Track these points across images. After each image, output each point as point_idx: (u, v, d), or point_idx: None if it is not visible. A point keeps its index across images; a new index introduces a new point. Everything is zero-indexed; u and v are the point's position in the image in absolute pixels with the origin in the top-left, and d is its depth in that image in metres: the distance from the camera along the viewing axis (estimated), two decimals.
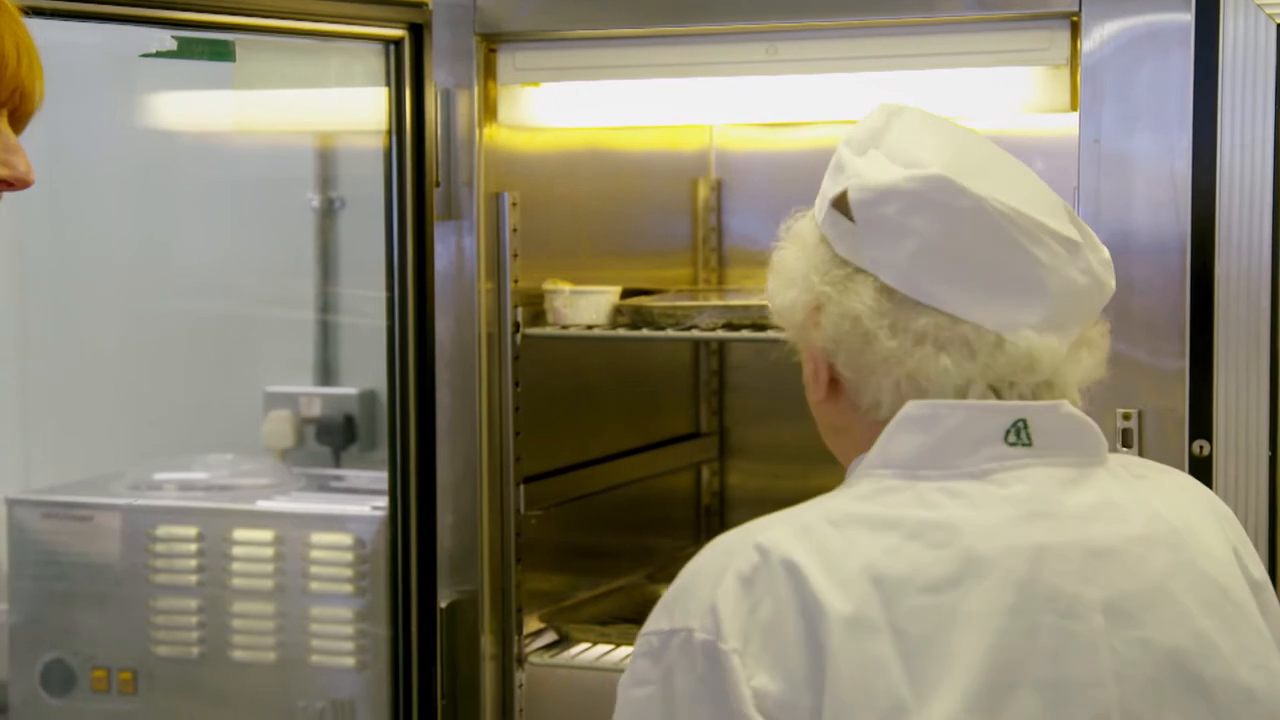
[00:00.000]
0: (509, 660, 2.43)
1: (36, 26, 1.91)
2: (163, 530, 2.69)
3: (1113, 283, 1.38)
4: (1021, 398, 1.34)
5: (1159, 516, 1.36)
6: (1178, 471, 1.53)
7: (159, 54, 2.60)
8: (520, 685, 2.43)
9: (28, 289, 2.82)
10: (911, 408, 1.32)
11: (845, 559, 1.24)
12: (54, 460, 3.05)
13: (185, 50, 2.62)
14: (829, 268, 1.36)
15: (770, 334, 2.34)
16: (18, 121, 1.45)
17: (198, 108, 3.02)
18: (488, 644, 2.42)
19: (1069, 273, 1.34)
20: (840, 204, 1.34)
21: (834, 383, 1.38)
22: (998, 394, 1.33)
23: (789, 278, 1.40)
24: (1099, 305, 1.38)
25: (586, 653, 2.51)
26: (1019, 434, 1.33)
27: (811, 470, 2.82)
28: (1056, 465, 1.34)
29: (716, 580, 1.25)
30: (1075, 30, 2.08)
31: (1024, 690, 1.23)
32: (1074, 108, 2.09)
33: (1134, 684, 1.28)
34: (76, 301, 2.50)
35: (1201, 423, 1.90)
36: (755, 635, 1.21)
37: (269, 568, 2.65)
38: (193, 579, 2.68)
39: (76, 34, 2.08)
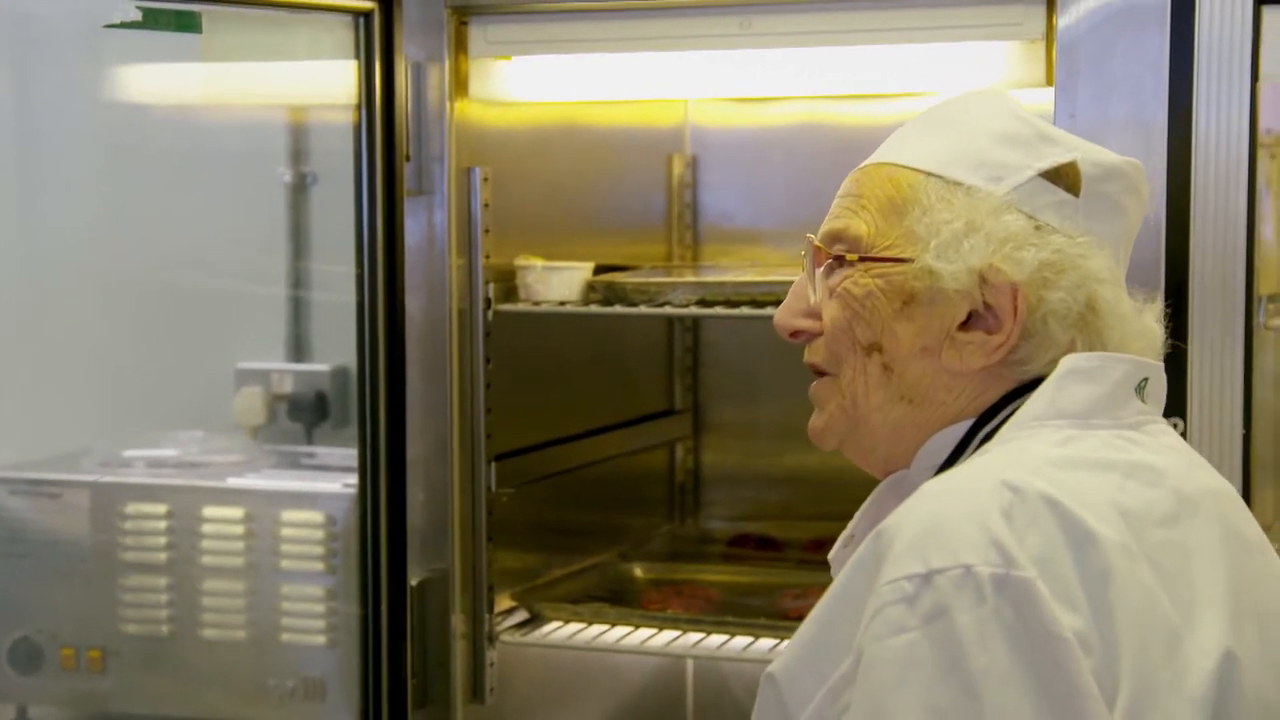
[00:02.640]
0: (480, 639, 2.43)
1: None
2: (132, 507, 2.68)
3: None
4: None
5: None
6: None
7: (124, 25, 2.58)
8: (491, 664, 2.43)
9: None
10: (1078, 360, 1.35)
11: (1091, 494, 1.25)
12: (21, 436, 3.02)
13: (151, 21, 2.62)
14: (1033, 237, 1.37)
15: (745, 311, 2.41)
16: None
17: (166, 80, 3.01)
18: (459, 622, 2.42)
19: None
20: (1055, 175, 1.37)
21: (1012, 350, 1.38)
22: None
23: (954, 236, 1.38)
24: None
25: (558, 631, 2.50)
26: (1141, 389, 1.37)
27: (786, 447, 2.89)
28: (1161, 420, 1.40)
29: (977, 517, 1.22)
30: (1051, 5, 2.08)
31: (1247, 619, 1.26)
32: (1050, 83, 2.09)
33: None
34: (44, 274, 2.49)
35: (1176, 400, 1.87)
36: (1037, 565, 1.20)
37: (239, 545, 2.64)
38: (162, 556, 2.67)
39: (44, 4, 2.07)
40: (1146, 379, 1.38)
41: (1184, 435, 1.91)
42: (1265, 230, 1.95)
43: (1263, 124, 1.93)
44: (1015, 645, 1.17)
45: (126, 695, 2.70)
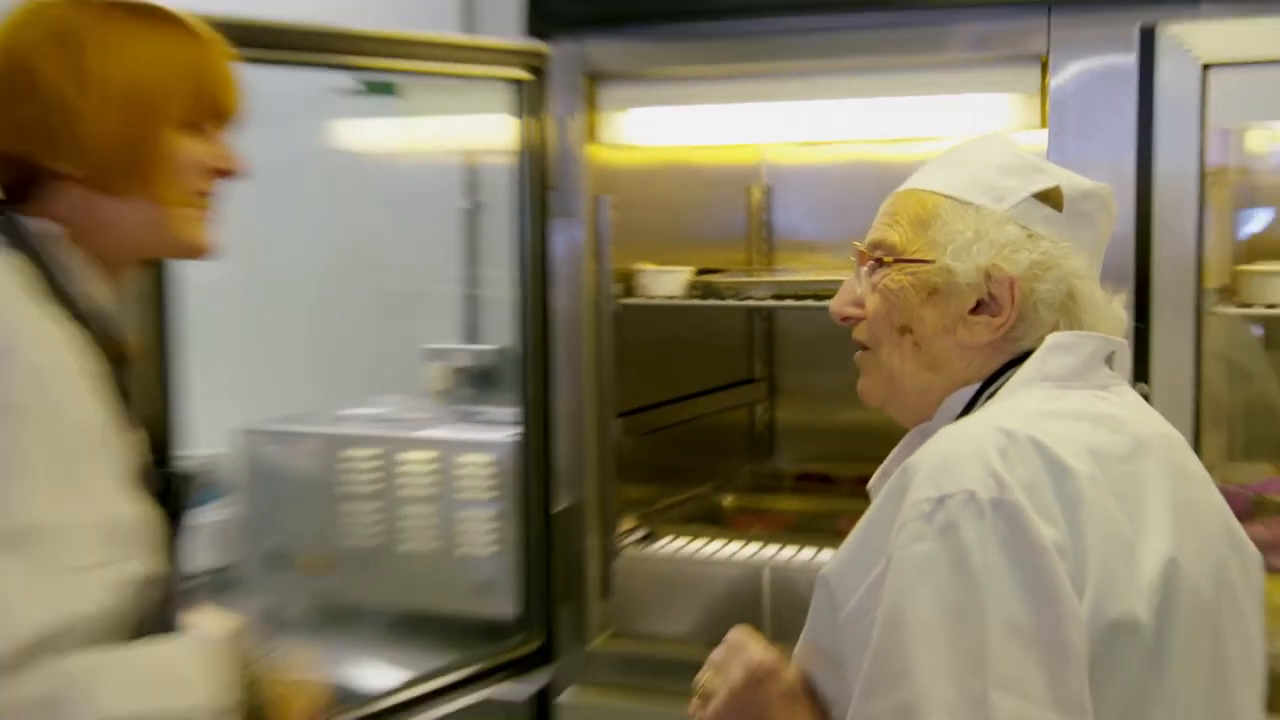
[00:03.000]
0: (608, 551, 2.42)
1: (255, 73, 1.92)
2: (350, 452, 2.71)
3: None
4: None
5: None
6: None
7: (345, 92, 2.66)
8: (615, 570, 2.43)
9: (252, 272, 2.86)
10: (1060, 337, 1.36)
11: (1068, 438, 1.26)
12: (272, 401, 3.05)
13: (365, 89, 2.71)
14: (1026, 243, 1.37)
15: (808, 303, 2.40)
16: (223, 127, 1.51)
17: (373, 132, 3.02)
18: (592, 539, 2.43)
19: None
20: (1047, 196, 1.38)
21: (1010, 329, 1.39)
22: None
23: (966, 242, 1.38)
24: None
25: (667, 545, 2.51)
26: (1111, 360, 1.38)
27: (839, 406, 2.87)
28: (1125, 382, 1.41)
29: (979, 455, 1.23)
30: (1044, 68, 2.06)
31: (1187, 535, 1.26)
32: (1044, 127, 2.06)
33: (1220, 531, 1.33)
34: (288, 281, 2.50)
35: (1142, 370, 1.88)
36: (1024, 491, 1.21)
37: (429, 480, 2.66)
38: (372, 488, 2.70)
39: (283, 77, 2.10)
40: (1114, 352, 1.39)
41: (1147, 397, 1.88)
42: (1210, 239, 1.92)
43: (1208, 160, 1.90)
44: (1007, 550, 1.19)
45: (347, 590, 2.74)
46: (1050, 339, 1.36)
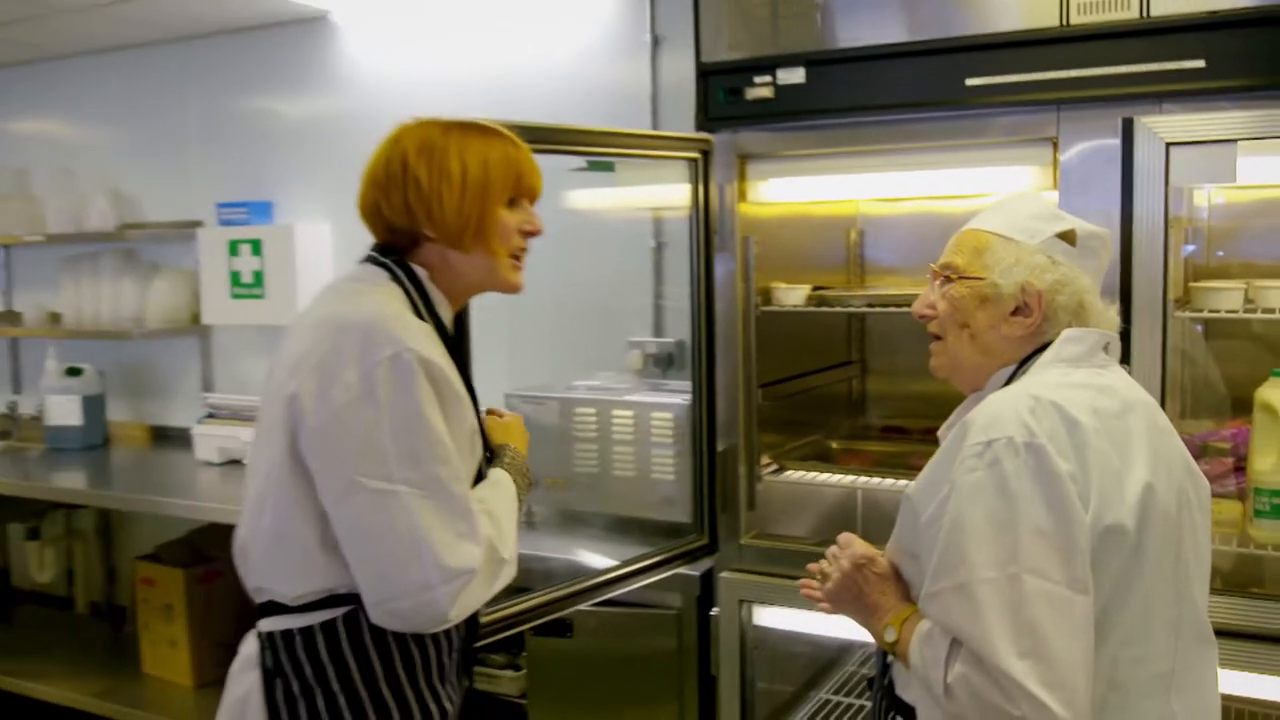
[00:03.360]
0: (752, 478, 2.42)
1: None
2: (578, 411, 2.78)
3: None
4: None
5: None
6: None
7: (576, 169, 2.72)
8: (759, 491, 2.43)
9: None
10: (1073, 332, 1.36)
11: (1077, 401, 1.26)
12: (527, 375, 3.14)
13: (590, 166, 2.75)
14: (1050, 267, 1.37)
15: (894, 310, 2.40)
16: (532, 202, 1.58)
17: (593, 196, 3.03)
18: (741, 470, 2.42)
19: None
20: (1065, 236, 1.39)
21: (1038, 326, 1.38)
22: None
23: (1008, 266, 1.39)
24: None
25: (792, 474, 2.50)
26: (1107, 348, 1.38)
27: (913, 380, 2.84)
28: (1116, 363, 1.40)
29: (1016, 412, 1.24)
30: (1055, 147, 2.05)
31: (1160, 468, 1.27)
32: (1055, 188, 2.04)
33: (1180, 468, 1.32)
34: (538, 296, 2.71)
35: (1126, 355, 1.87)
36: (1048, 437, 1.22)
37: (630, 430, 2.71)
38: (592, 435, 2.76)
39: (543, 160, 2.11)
40: (1109, 343, 1.39)
41: (1131, 374, 1.84)
42: (1172, 264, 1.89)
43: (1170, 210, 1.85)
44: (1035, 478, 1.21)
45: (578, 502, 2.80)
46: (1065, 333, 1.36)
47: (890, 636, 1.37)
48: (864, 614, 1.42)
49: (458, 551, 1.32)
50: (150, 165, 4.20)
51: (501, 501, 1.47)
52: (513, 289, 1.56)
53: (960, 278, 1.42)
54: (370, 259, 1.52)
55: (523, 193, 1.53)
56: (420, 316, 1.46)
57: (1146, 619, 1.26)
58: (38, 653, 3.84)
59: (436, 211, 1.47)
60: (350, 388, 1.32)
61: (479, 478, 1.50)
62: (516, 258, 1.55)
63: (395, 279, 1.48)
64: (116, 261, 4.10)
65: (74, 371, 4.05)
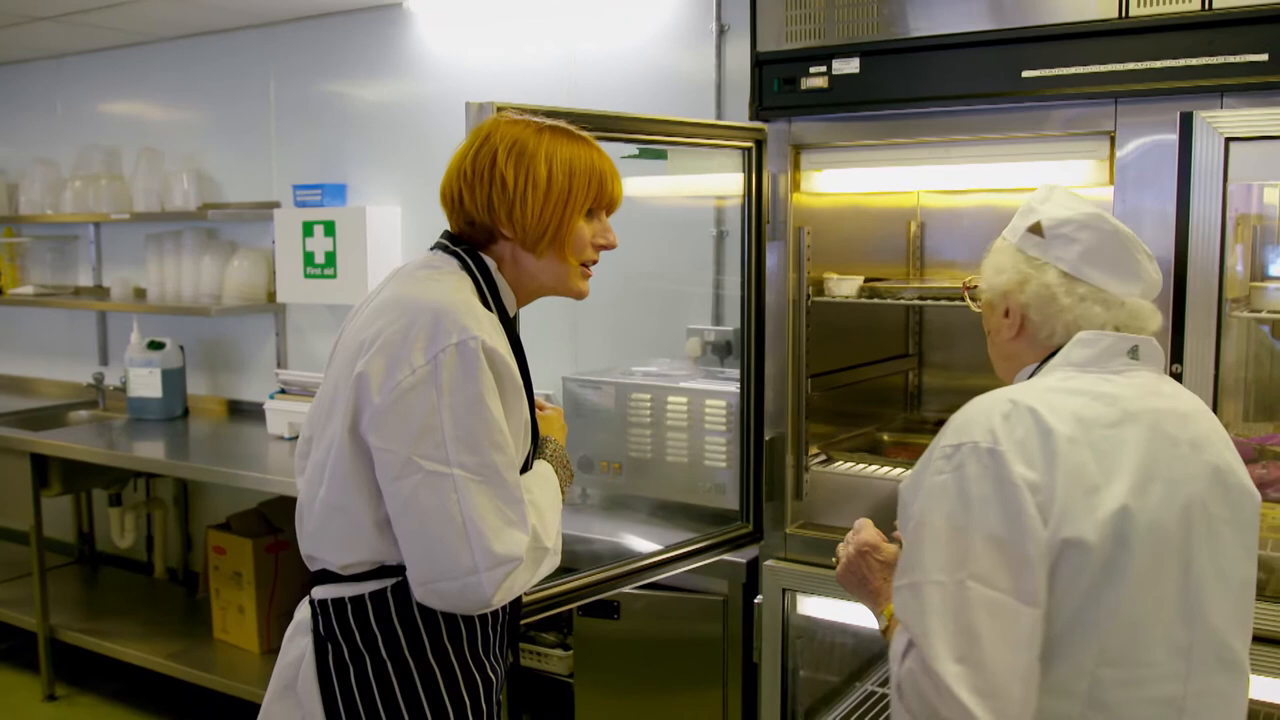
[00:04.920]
0: (800, 468, 2.42)
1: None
2: (634, 396, 2.81)
3: (1160, 279, 1.42)
4: (1132, 332, 1.37)
5: (1196, 400, 1.39)
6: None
7: (628, 156, 2.69)
8: (806, 481, 2.43)
9: None
10: (1085, 335, 1.34)
11: (1060, 408, 1.26)
12: (586, 360, 3.22)
13: (642, 154, 2.74)
14: (1024, 263, 1.38)
15: (945, 303, 2.37)
16: (611, 213, 1.58)
17: (648, 184, 3.04)
18: (790, 459, 2.43)
19: (1150, 269, 1.40)
20: (1034, 229, 1.39)
21: (1022, 326, 1.39)
22: (1118, 330, 1.36)
23: (998, 267, 1.42)
24: (1158, 290, 1.42)
25: (841, 465, 2.50)
26: (1134, 353, 1.35)
27: (969, 375, 2.82)
28: (1151, 371, 1.37)
29: (989, 417, 1.25)
30: (1112, 142, 2.02)
31: (1156, 483, 1.25)
32: (1111, 183, 2.03)
33: (1200, 482, 1.29)
34: (598, 283, 2.75)
35: (1177, 354, 1.87)
36: (1014, 445, 1.22)
37: (684, 415, 2.73)
38: (647, 420, 2.79)
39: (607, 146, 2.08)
40: (1136, 346, 1.35)
41: (1179, 376, 1.84)
42: (1230, 263, 1.87)
43: (1236, 207, 1.86)
44: (994, 483, 1.22)
45: (630, 486, 2.85)
46: (1077, 335, 1.35)
47: (881, 624, 1.41)
48: (867, 598, 1.47)
49: (505, 538, 1.35)
50: (231, 147, 4.38)
51: (546, 493, 1.50)
52: (578, 296, 1.59)
53: (974, 285, 1.49)
54: (442, 246, 1.55)
55: (602, 204, 1.55)
56: (488, 307, 1.48)
57: (1135, 640, 1.23)
58: (117, 614, 4.09)
59: (518, 214, 1.48)
60: (416, 370, 1.36)
61: (525, 468, 1.53)
62: (586, 266, 1.57)
63: (465, 268, 1.51)
64: (198, 240, 4.29)
65: (156, 345, 4.25)
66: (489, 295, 1.50)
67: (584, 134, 1.55)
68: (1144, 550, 1.23)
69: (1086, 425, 1.26)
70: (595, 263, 1.57)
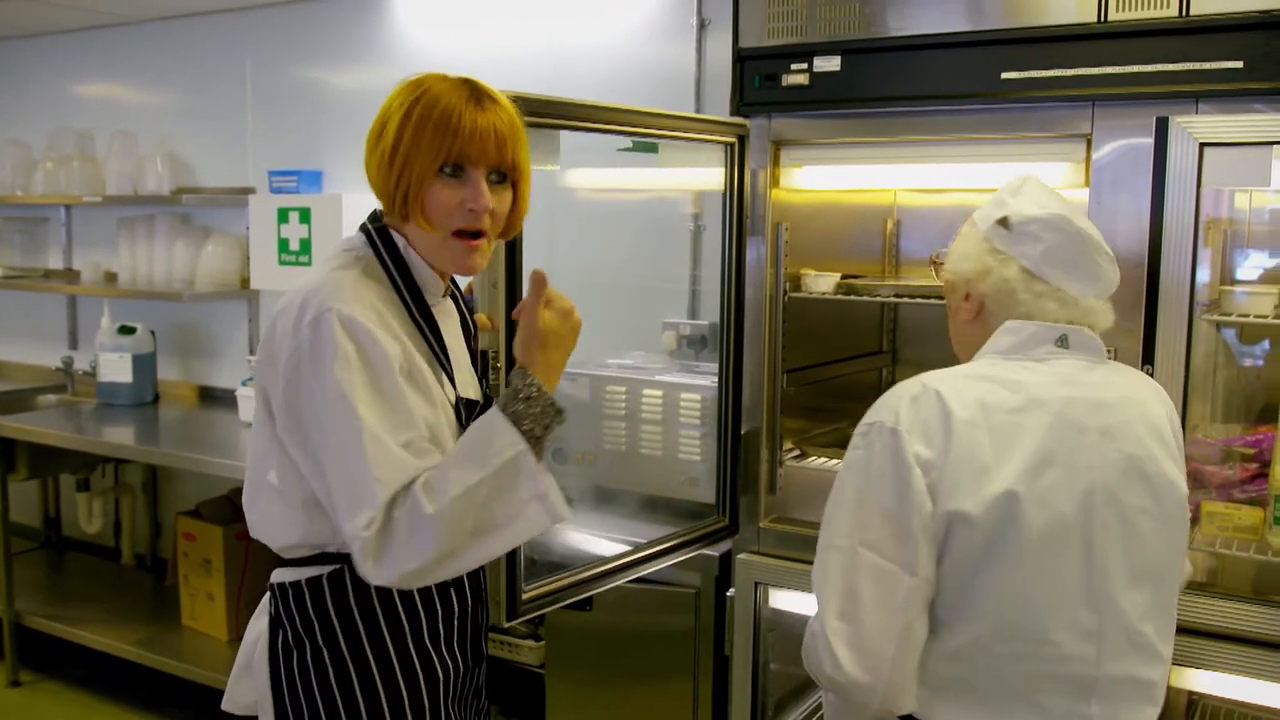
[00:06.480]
0: (774, 462, 2.43)
1: (570, 136, 1.91)
2: (609, 388, 2.79)
3: (1118, 279, 1.48)
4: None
5: (1129, 389, 1.42)
6: (1143, 374, 1.58)
7: (623, 149, 2.60)
8: (780, 476, 2.44)
9: (552, 268, 2.97)
10: (1010, 324, 1.42)
11: (966, 393, 1.33)
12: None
13: (635, 147, 2.62)
14: (989, 254, 1.43)
15: (920, 301, 2.38)
16: (484, 169, 1.37)
17: (638, 176, 3.01)
18: (764, 454, 2.43)
19: (1108, 270, 1.45)
20: (1002, 222, 1.44)
21: (979, 312, 1.45)
22: (1071, 324, 1.41)
23: (964, 254, 1.47)
24: (1114, 290, 1.47)
25: (814, 460, 2.51)
26: (1062, 342, 1.40)
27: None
28: (1080, 360, 1.41)
29: (899, 400, 1.35)
30: (1088, 144, 2.04)
31: (1052, 468, 1.30)
32: (1087, 185, 2.04)
33: (1111, 470, 1.33)
34: (576, 272, 2.61)
35: (1148, 355, 1.88)
36: (917, 426, 1.31)
37: (659, 409, 2.72)
38: (622, 412, 2.78)
39: (587, 139, 2.08)
40: (1065, 335, 1.40)
41: (1153, 375, 1.84)
42: (1203, 266, 1.89)
43: (1208, 211, 1.87)
44: (891, 460, 1.31)
45: (604, 479, 2.81)
46: (1004, 324, 1.42)
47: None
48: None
49: (356, 515, 1.27)
50: (206, 131, 4.33)
51: (464, 465, 1.29)
52: (463, 272, 1.45)
53: (941, 263, 1.55)
54: (363, 225, 1.47)
55: (462, 159, 1.33)
56: (395, 286, 1.40)
57: (1032, 617, 1.29)
58: (84, 600, 4.03)
59: (370, 177, 1.38)
60: (288, 351, 1.33)
61: (479, 412, 1.41)
62: (465, 237, 1.38)
63: (371, 244, 1.42)
64: (171, 224, 4.24)
65: (127, 330, 4.20)
66: (396, 273, 1.39)
67: (488, 92, 1.38)
68: (1036, 531, 1.27)
69: (988, 410, 1.31)
70: (479, 232, 1.37)
